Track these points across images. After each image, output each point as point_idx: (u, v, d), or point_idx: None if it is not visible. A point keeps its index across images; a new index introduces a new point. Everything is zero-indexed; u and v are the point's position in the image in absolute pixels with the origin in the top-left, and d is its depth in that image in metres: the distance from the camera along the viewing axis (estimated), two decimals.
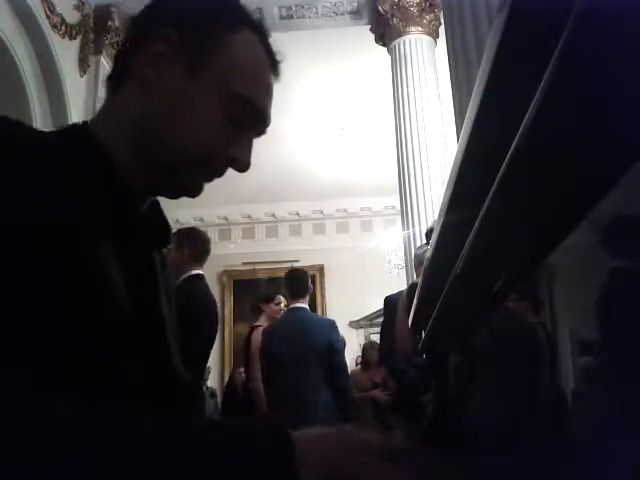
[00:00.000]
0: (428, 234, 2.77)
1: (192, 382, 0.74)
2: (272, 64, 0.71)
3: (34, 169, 0.53)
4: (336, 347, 3.23)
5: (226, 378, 8.12)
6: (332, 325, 3.35)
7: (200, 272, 2.66)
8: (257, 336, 3.82)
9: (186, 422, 0.50)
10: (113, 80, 0.69)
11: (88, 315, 0.53)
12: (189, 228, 2.88)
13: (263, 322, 3.99)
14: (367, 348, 5.29)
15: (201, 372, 2.64)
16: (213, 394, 5.19)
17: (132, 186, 0.65)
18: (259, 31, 0.70)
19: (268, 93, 0.70)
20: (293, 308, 3.39)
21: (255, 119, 0.69)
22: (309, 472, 0.47)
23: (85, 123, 0.67)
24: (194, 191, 0.69)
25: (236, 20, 0.68)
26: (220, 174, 0.69)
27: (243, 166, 0.68)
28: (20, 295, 0.48)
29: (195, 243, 2.71)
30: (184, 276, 2.59)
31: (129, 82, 0.67)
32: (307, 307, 3.42)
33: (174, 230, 2.48)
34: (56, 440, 0.42)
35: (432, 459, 0.53)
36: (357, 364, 5.43)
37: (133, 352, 0.58)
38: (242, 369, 4.69)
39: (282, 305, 4.08)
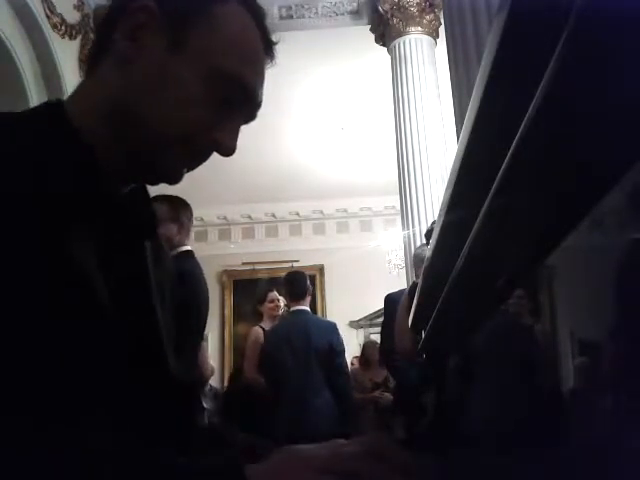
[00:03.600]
0: (427, 235, 2.77)
1: (187, 380, 0.72)
2: (265, 44, 0.66)
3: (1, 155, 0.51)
4: (337, 350, 3.23)
5: (226, 378, 8.14)
6: (333, 328, 3.35)
7: (190, 248, 2.54)
8: (253, 334, 3.83)
9: (150, 457, 0.47)
10: (90, 59, 0.64)
11: (63, 312, 0.50)
12: (180, 197, 2.61)
13: (264, 322, 3.99)
14: (367, 347, 5.27)
15: (189, 361, 2.47)
16: (216, 395, 5.18)
17: (110, 171, 0.60)
18: (251, 7, 0.64)
19: (258, 72, 0.64)
20: (294, 311, 3.38)
21: (242, 99, 0.63)
22: None
23: (59, 102, 0.62)
24: (174, 176, 0.63)
25: None
26: (202, 159, 0.64)
27: (227, 150, 0.63)
28: None
29: (190, 213, 2.56)
30: (176, 251, 2.40)
31: (106, 58, 0.62)
32: (308, 309, 3.42)
33: (163, 200, 2.38)
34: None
35: (409, 462, 0.51)
36: (352, 364, 5.40)
37: (118, 350, 0.56)
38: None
39: (277, 301, 4.07)
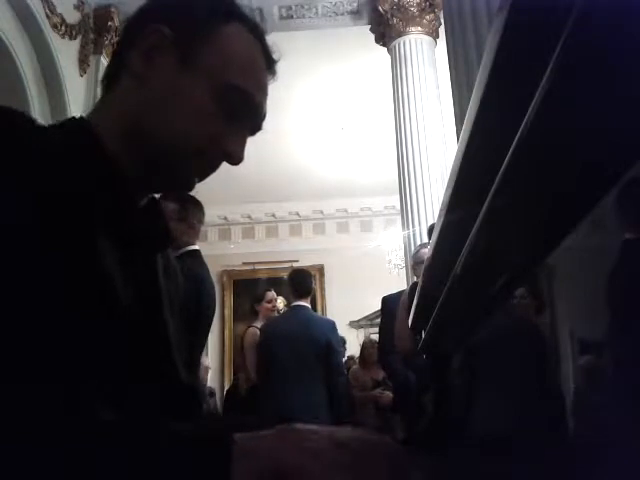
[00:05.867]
0: (430, 231, 2.77)
1: (194, 385, 0.74)
2: (267, 61, 0.70)
3: (35, 163, 0.53)
4: (335, 347, 3.23)
5: (226, 378, 8.14)
6: (332, 325, 3.36)
7: (197, 248, 2.50)
8: (249, 335, 3.83)
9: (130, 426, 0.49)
10: (108, 77, 0.69)
11: (88, 311, 0.53)
12: (192, 196, 2.57)
13: (259, 322, 3.98)
14: (366, 346, 5.25)
15: (192, 361, 2.43)
16: (212, 393, 5.19)
17: (130, 182, 0.65)
18: (252, 26, 0.70)
19: (262, 87, 0.69)
20: (295, 306, 3.40)
21: (248, 112, 0.68)
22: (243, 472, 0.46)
23: (82, 118, 0.67)
24: (188, 186, 0.68)
25: (228, 13, 0.68)
26: (214, 169, 0.69)
27: (237, 160, 0.68)
28: (19, 292, 0.48)
29: (202, 213, 2.54)
30: (182, 250, 2.38)
31: (123, 78, 0.67)
32: (309, 305, 3.43)
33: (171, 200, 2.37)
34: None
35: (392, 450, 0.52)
36: (348, 364, 5.37)
37: (134, 350, 0.58)
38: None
39: (275, 302, 4.07)
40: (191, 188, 0.69)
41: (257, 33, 0.70)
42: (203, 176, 0.69)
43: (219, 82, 0.64)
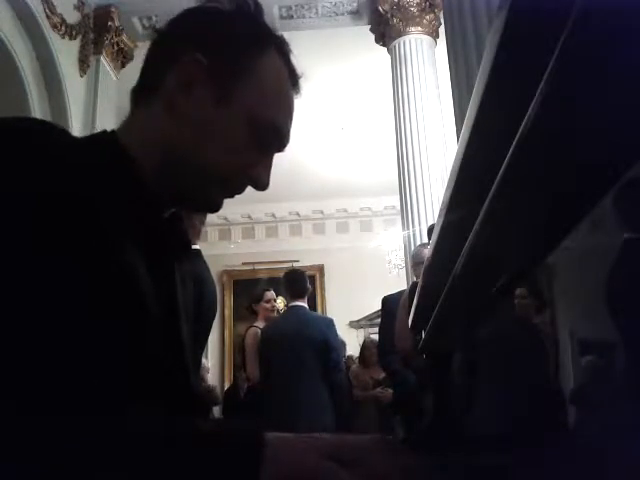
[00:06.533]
0: (430, 231, 2.77)
1: (205, 397, 0.75)
2: (293, 81, 0.72)
3: (70, 173, 0.54)
4: (332, 344, 3.23)
5: (226, 378, 8.14)
6: (329, 323, 3.35)
7: (198, 248, 2.52)
8: (250, 336, 3.82)
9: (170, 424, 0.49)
10: (139, 92, 0.70)
11: (116, 316, 0.53)
12: None
13: (259, 322, 3.97)
14: (366, 345, 5.24)
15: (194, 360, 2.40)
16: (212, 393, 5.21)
17: (157, 196, 0.66)
18: (283, 50, 0.70)
19: (291, 115, 0.71)
20: (292, 306, 3.41)
21: (278, 142, 0.70)
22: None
23: (113, 132, 0.68)
24: (216, 208, 0.70)
25: (264, 43, 0.69)
26: (241, 192, 0.71)
27: (264, 186, 0.70)
28: (46, 295, 0.48)
29: (205, 215, 2.55)
30: None
31: (156, 99, 0.67)
32: (305, 305, 3.43)
33: None
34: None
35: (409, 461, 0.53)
36: (347, 364, 5.36)
37: (157, 357, 0.59)
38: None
39: (274, 302, 4.06)
40: (218, 209, 0.71)
41: (286, 57, 0.71)
42: (230, 197, 0.70)
43: (253, 116, 0.66)
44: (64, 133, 0.60)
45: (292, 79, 0.71)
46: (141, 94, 0.69)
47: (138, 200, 0.63)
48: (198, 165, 0.65)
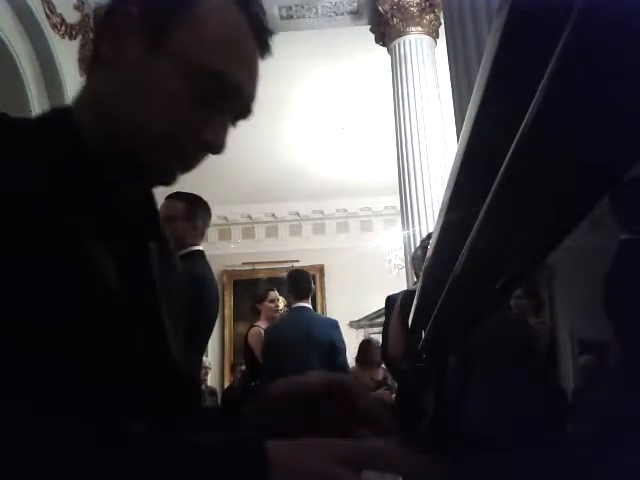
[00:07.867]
0: (428, 239, 2.78)
1: (191, 377, 0.74)
2: (258, 37, 0.65)
3: (6, 157, 0.53)
4: (338, 347, 3.22)
5: (226, 378, 8.14)
6: (335, 325, 3.34)
7: (201, 248, 2.49)
8: (255, 335, 3.81)
9: (166, 435, 0.49)
10: (88, 64, 0.68)
11: (75, 302, 0.52)
12: (200, 197, 2.51)
13: (262, 322, 3.97)
14: (364, 346, 5.21)
15: (195, 360, 2.43)
16: (213, 393, 5.20)
17: (108, 175, 0.62)
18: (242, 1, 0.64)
19: (245, 66, 0.64)
20: (296, 307, 3.39)
21: (226, 96, 0.62)
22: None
23: (65, 108, 0.65)
24: (167, 178, 0.65)
25: None
26: (194, 159, 0.65)
27: (217, 148, 0.63)
28: (6, 288, 0.48)
29: (209, 215, 2.53)
30: (186, 250, 2.36)
31: (97, 64, 0.64)
32: (310, 306, 3.42)
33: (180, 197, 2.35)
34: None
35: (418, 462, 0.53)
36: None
37: (127, 342, 0.58)
38: (242, 367, 4.68)
39: (277, 301, 4.05)
40: (172, 181, 0.65)
41: (246, 7, 0.64)
42: (185, 169, 0.65)
43: (192, 64, 0.60)
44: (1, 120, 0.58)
45: (256, 35, 0.64)
46: (89, 65, 0.67)
47: (87, 183, 0.60)
48: (138, 122, 0.60)
